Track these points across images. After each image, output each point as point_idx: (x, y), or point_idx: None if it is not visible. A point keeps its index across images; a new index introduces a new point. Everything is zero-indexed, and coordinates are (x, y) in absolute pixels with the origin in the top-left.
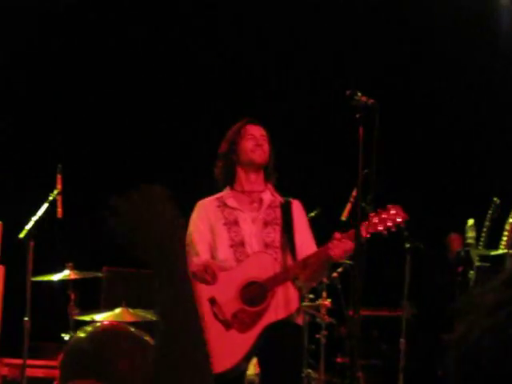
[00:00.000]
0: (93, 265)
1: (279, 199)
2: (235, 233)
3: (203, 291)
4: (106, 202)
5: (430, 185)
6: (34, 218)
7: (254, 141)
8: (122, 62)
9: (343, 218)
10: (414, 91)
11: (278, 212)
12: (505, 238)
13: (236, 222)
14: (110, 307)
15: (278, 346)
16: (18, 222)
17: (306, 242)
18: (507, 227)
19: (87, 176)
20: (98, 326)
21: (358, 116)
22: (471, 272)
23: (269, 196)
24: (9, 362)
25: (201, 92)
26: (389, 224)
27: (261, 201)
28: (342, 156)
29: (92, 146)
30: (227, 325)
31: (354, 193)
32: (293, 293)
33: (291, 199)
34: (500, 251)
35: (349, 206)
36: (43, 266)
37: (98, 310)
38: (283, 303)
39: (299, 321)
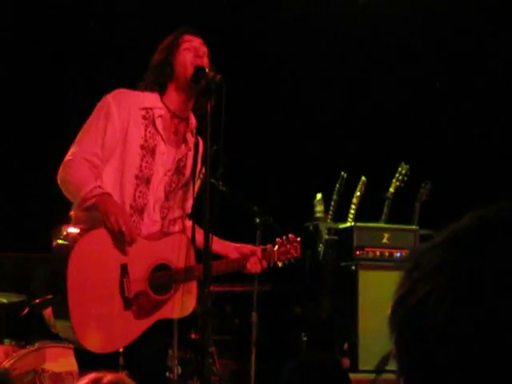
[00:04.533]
0: None
1: (193, 138)
2: (147, 164)
3: (116, 250)
4: None
5: (279, 160)
6: None
7: (194, 51)
8: None
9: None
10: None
11: (190, 156)
12: (352, 211)
13: (153, 152)
14: None
15: (146, 335)
16: None
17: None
18: (354, 201)
19: None
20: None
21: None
22: (320, 245)
23: (189, 135)
24: None
25: None
26: (287, 258)
27: (183, 137)
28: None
29: None
30: (127, 304)
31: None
32: (193, 295)
33: (199, 137)
34: (348, 224)
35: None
36: None
37: None
38: (182, 302)
39: None
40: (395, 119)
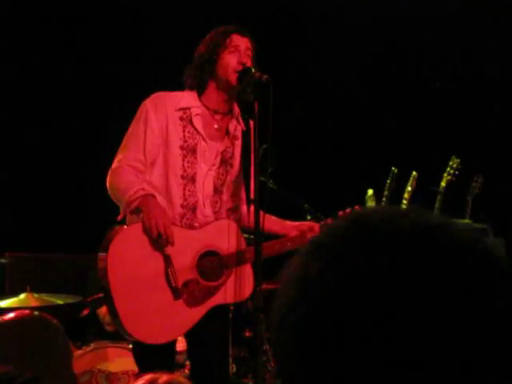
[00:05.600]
0: None
1: (241, 126)
2: (189, 163)
3: (157, 242)
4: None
5: (328, 157)
6: None
7: (239, 57)
8: None
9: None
10: (306, 65)
11: (238, 145)
12: (404, 207)
13: (194, 151)
14: (14, 293)
15: (208, 324)
16: None
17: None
18: (406, 196)
19: None
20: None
21: (252, 92)
22: None
23: (234, 123)
24: None
25: None
26: None
27: (226, 129)
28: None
29: None
30: (176, 294)
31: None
32: (249, 278)
33: (250, 121)
34: None
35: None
36: None
37: (2, 296)
38: (237, 286)
39: None
40: (446, 113)
